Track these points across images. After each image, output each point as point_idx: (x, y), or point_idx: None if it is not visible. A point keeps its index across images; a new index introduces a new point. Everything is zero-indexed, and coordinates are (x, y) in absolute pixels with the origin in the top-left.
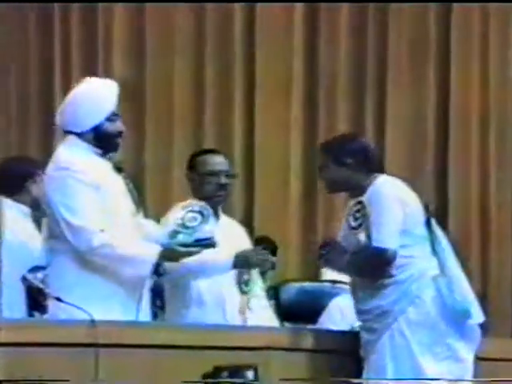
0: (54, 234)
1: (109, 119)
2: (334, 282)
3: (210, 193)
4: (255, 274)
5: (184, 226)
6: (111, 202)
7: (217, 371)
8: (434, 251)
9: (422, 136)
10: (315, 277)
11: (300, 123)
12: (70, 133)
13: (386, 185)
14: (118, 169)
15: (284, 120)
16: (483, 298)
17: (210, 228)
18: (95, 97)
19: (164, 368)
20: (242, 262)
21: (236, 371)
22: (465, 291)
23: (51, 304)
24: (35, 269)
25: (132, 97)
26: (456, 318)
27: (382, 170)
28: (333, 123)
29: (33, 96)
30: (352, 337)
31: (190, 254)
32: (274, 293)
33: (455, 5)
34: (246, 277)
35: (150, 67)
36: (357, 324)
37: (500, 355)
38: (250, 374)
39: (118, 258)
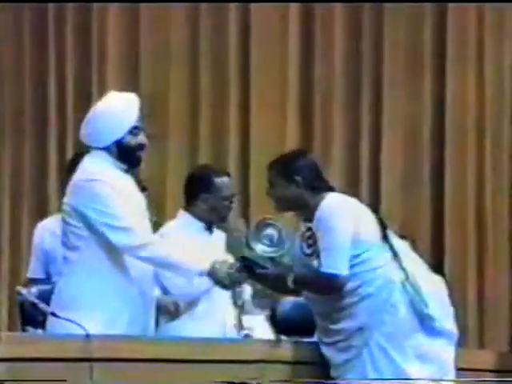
0: (70, 245)
1: (130, 133)
2: None
3: (222, 214)
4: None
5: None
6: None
7: None
8: (396, 257)
9: (418, 141)
10: None
11: (295, 132)
12: (95, 148)
13: (332, 205)
14: (142, 187)
15: (279, 128)
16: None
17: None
18: (116, 111)
19: (159, 382)
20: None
21: None
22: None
23: (49, 319)
24: (29, 283)
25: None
26: (424, 322)
27: (330, 189)
28: (328, 130)
29: (27, 106)
30: None
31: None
32: (269, 306)
33: (451, 5)
34: (238, 289)
35: (144, 75)
36: None
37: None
38: None
39: (165, 258)
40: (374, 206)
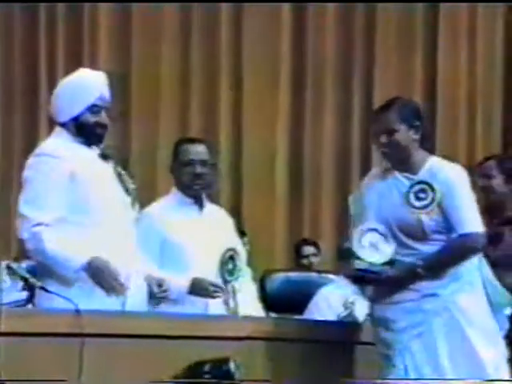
0: None
1: (89, 110)
2: (319, 271)
3: (187, 182)
4: (241, 261)
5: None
6: (87, 190)
7: (198, 364)
8: None
9: None
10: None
11: (287, 112)
12: (58, 124)
13: (462, 170)
14: (104, 156)
15: (271, 109)
16: None
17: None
18: (76, 87)
19: (148, 357)
20: (197, 290)
21: (218, 363)
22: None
23: (37, 294)
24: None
25: (118, 88)
26: (493, 305)
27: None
28: (320, 105)
29: (17, 92)
30: (338, 327)
31: None
32: (259, 283)
33: None
34: (230, 266)
35: (136, 58)
36: (343, 314)
37: None
38: (231, 366)
39: (44, 253)
40: None
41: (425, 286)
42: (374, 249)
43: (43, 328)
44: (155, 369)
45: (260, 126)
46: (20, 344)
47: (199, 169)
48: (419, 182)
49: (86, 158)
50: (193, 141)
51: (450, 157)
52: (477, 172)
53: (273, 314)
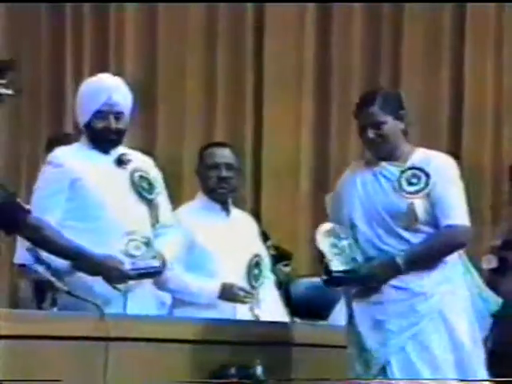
0: None
1: (96, 116)
2: None
3: (212, 186)
4: (266, 268)
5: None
6: (87, 197)
7: (225, 367)
8: None
9: (436, 129)
10: None
11: (311, 117)
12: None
13: (450, 160)
14: (119, 161)
15: (295, 114)
16: None
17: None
18: (84, 94)
19: (172, 362)
20: (227, 296)
21: (244, 366)
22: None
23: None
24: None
25: (143, 94)
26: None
27: None
28: (345, 114)
29: (44, 95)
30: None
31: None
32: (284, 288)
33: None
34: (255, 271)
35: (161, 64)
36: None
37: None
38: (258, 370)
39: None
40: None
41: (414, 284)
42: (337, 250)
43: (68, 332)
44: (179, 373)
45: (284, 134)
46: (44, 348)
47: (224, 172)
48: (411, 168)
49: (96, 164)
50: (218, 145)
51: (477, 166)
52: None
53: (297, 320)
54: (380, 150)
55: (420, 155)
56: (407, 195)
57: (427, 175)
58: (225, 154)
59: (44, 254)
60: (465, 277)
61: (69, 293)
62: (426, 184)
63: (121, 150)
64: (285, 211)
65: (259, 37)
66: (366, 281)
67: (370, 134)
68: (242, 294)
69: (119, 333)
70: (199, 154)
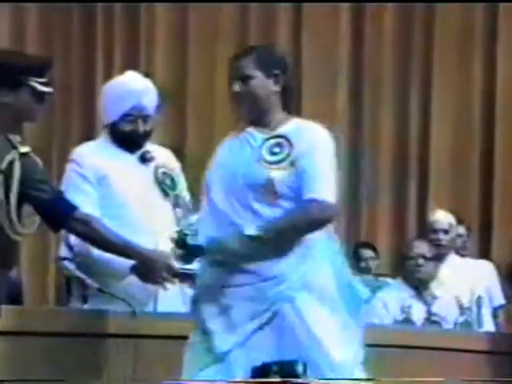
0: None
1: (123, 119)
2: (376, 275)
3: None
4: None
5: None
6: (115, 193)
7: (266, 365)
8: None
9: (468, 126)
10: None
11: (344, 117)
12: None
13: (326, 134)
14: (143, 159)
15: (329, 114)
16: None
17: None
18: (113, 94)
19: None
20: None
21: (285, 365)
22: None
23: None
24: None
25: (174, 94)
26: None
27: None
28: (377, 115)
29: (75, 94)
30: (396, 330)
31: None
32: None
33: None
34: None
35: (192, 63)
36: (400, 317)
37: None
38: (299, 368)
39: None
40: (423, 190)
41: (265, 267)
42: (189, 224)
43: (98, 329)
44: None
45: None
46: (74, 343)
47: None
48: (276, 136)
49: (119, 162)
50: None
51: (510, 163)
52: None
53: None
54: (246, 109)
55: (293, 125)
56: (267, 165)
57: (291, 145)
58: None
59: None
60: (333, 260)
61: (100, 290)
62: (288, 154)
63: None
64: None
65: (294, 36)
66: (219, 256)
67: (236, 87)
68: None
69: (149, 331)
70: None
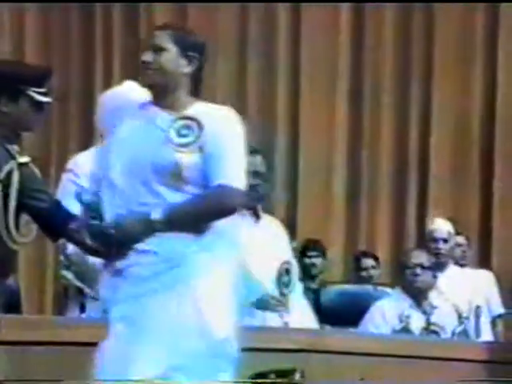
0: None
1: None
2: (375, 284)
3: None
4: (295, 275)
5: None
6: None
7: (263, 374)
8: None
9: (467, 128)
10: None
11: (344, 125)
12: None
13: (236, 118)
14: None
15: (328, 122)
16: None
17: None
18: (109, 106)
19: None
20: (259, 304)
21: (283, 373)
22: None
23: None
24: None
25: None
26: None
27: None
28: (377, 117)
29: (73, 96)
30: (394, 339)
31: None
32: (315, 295)
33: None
34: (285, 278)
35: None
36: (398, 327)
37: None
38: (297, 376)
39: None
40: (422, 193)
41: (162, 248)
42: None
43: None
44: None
45: (317, 139)
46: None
47: (251, 180)
48: (184, 117)
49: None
50: (248, 151)
51: (509, 169)
52: None
53: (327, 327)
54: (152, 81)
55: (201, 106)
56: (175, 148)
57: (200, 127)
58: (253, 162)
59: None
60: (233, 250)
61: (94, 298)
62: (198, 137)
63: None
64: (317, 218)
65: (294, 38)
66: (116, 239)
67: (147, 56)
68: (273, 302)
69: None
70: None
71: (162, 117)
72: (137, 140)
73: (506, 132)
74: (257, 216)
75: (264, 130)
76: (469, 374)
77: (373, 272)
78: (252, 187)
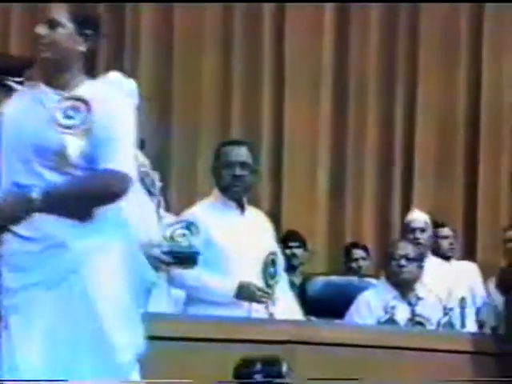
0: None
1: None
2: (360, 275)
3: (226, 183)
4: (280, 266)
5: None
6: None
7: (249, 363)
8: None
9: (452, 124)
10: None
11: (329, 124)
12: None
13: (126, 101)
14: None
15: (312, 120)
16: None
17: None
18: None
19: (192, 360)
20: (244, 295)
21: (269, 363)
22: None
23: None
24: None
25: (159, 94)
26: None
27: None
28: (362, 117)
29: None
30: (380, 330)
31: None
32: (300, 286)
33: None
34: (271, 269)
35: (177, 65)
36: (384, 318)
37: None
38: (283, 367)
39: None
40: (407, 189)
41: (45, 233)
42: None
43: None
44: (199, 371)
45: (302, 137)
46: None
47: (238, 171)
48: (72, 98)
49: None
50: (234, 143)
51: (495, 163)
52: None
53: (313, 318)
54: (43, 56)
55: (90, 86)
56: (60, 129)
57: (88, 108)
58: (240, 153)
59: None
60: (124, 237)
61: None
62: (84, 119)
63: None
64: (302, 210)
65: (278, 37)
66: None
67: (41, 29)
68: (259, 293)
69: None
70: (215, 152)
71: (50, 96)
72: (21, 118)
73: (489, 132)
74: (242, 207)
75: (248, 129)
76: (454, 365)
77: (362, 263)
78: (238, 177)
